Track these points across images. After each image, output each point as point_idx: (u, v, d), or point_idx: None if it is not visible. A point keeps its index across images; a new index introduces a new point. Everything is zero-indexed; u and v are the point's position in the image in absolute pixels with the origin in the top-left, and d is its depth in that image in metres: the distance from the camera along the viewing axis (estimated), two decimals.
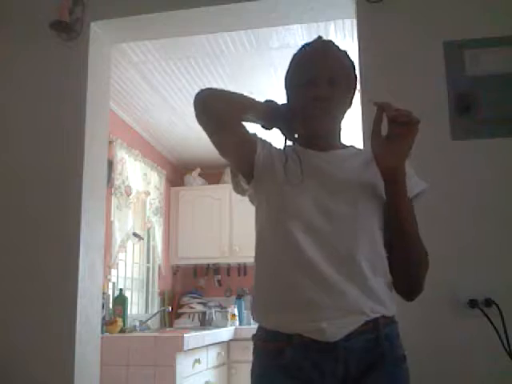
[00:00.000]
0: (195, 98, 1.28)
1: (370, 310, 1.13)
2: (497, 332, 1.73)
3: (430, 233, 1.89)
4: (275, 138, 1.39)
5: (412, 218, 1.22)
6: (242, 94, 1.33)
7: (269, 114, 1.33)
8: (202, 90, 1.29)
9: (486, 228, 1.85)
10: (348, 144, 1.37)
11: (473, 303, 1.79)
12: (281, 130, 1.36)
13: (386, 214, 1.22)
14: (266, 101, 1.35)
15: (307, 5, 2.20)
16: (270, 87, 3.57)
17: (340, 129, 1.36)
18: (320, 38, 1.38)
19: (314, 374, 1.12)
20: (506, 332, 1.73)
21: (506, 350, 1.73)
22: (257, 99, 1.34)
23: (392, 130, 1.15)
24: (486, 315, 1.75)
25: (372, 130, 1.19)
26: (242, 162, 1.30)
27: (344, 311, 1.12)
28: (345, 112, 1.34)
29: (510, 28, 1.97)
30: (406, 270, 1.22)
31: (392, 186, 1.19)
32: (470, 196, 1.88)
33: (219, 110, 1.26)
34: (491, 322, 1.74)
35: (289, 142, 1.36)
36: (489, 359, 1.76)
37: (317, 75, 1.28)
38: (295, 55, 1.37)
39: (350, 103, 1.36)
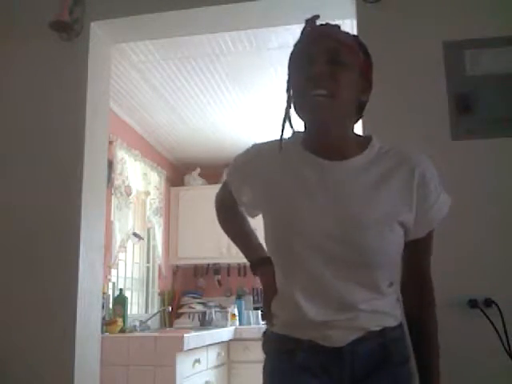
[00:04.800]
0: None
1: (375, 325, 1.14)
2: (497, 332, 1.73)
3: None
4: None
5: None
6: (234, 236, 1.48)
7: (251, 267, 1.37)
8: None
9: (486, 228, 1.85)
10: (364, 136, 1.20)
11: (473, 303, 1.79)
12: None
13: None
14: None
15: (307, 5, 2.20)
16: (270, 87, 3.58)
17: (352, 120, 1.18)
18: (316, 18, 1.18)
19: (322, 376, 1.14)
20: (505, 332, 1.73)
21: (506, 350, 1.73)
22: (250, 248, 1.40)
23: None
24: (486, 315, 1.75)
25: None
26: None
27: (348, 323, 1.13)
28: (356, 101, 1.15)
29: (510, 28, 1.97)
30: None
31: None
32: (470, 196, 1.88)
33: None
34: (491, 322, 1.74)
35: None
36: (489, 359, 1.76)
37: (313, 52, 1.11)
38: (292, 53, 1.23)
39: (365, 91, 1.16)
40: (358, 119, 1.22)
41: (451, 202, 1.21)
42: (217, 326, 4.37)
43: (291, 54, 1.20)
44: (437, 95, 1.96)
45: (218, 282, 5.25)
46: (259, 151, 1.26)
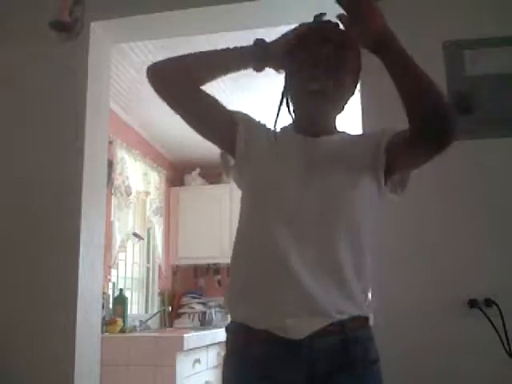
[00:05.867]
0: (146, 72, 1.23)
1: (335, 311, 1.11)
2: (497, 332, 1.73)
3: (430, 233, 1.89)
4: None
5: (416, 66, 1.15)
6: (206, 51, 1.29)
7: (255, 53, 1.28)
8: (155, 63, 1.23)
9: (486, 228, 1.85)
10: (341, 130, 1.32)
11: (473, 303, 1.79)
12: (274, 67, 1.32)
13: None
14: (256, 40, 1.30)
15: (307, 5, 2.20)
16: (270, 87, 3.57)
17: (337, 114, 1.29)
18: (321, 15, 1.27)
19: (277, 370, 1.10)
20: (505, 332, 1.73)
21: (505, 350, 1.73)
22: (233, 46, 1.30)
23: (347, 8, 1.09)
24: (486, 315, 1.75)
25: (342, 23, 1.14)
26: (221, 141, 1.30)
27: (308, 310, 1.10)
28: (347, 94, 1.27)
29: (510, 28, 1.97)
30: (417, 95, 1.13)
31: (388, 51, 1.14)
32: (470, 196, 1.88)
33: (176, 80, 1.20)
34: (491, 322, 1.74)
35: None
36: (489, 359, 1.76)
37: (316, 50, 1.20)
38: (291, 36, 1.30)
39: (353, 91, 1.28)
40: (340, 112, 1.30)
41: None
42: (217, 326, 4.37)
43: (294, 43, 1.26)
44: None
45: (218, 282, 5.25)
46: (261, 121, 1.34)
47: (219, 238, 4.87)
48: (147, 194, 4.44)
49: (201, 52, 1.29)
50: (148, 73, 1.23)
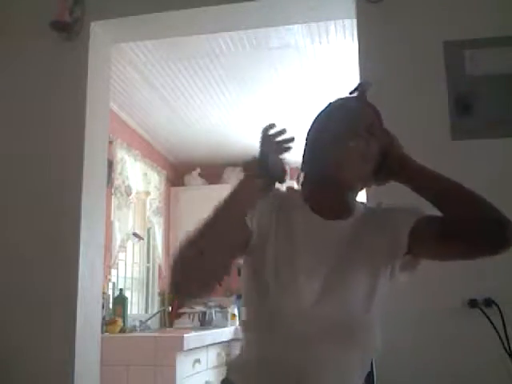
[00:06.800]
0: (171, 288, 1.17)
1: None
2: (497, 332, 1.73)
3: None
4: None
5: (443, 180, 1.15)
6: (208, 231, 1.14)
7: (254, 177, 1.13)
8: (173, 281, 1.12)
9: None
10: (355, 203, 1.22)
11: (473, 303, 1.79)
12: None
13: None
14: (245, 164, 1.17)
15: (307, 4, 2.20)
16: (270, 87, 3.58)
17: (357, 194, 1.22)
18: (370, 85, 1.23)
19: None
20: (505, 332, 1.73)
21: (505, 350, 1.73)
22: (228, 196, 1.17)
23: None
24: (486, 315, 1.75)
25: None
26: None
27: None
28: (372, 172, 1.17)
29: (510, 28, 1.97)
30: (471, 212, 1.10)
31: (408, 171, 1.14)
32: None
33: (202, 291, 1.19)
34: (491, 322, 1.74)
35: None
36: (489, 359, 1.76)
37: (358, 115, 1.16)
38: (325, 110, 1.23)
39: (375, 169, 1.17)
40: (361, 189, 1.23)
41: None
42: (217, 326, 4.37)
43: (332, 106, 1.22)
44: (437, 95, 1.96)
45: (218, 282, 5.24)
46: (274, 195, 1.21)
47: None
48: (147, 194, 4.44)
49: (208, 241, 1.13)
50: (172, 290, 1.20)
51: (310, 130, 1.23)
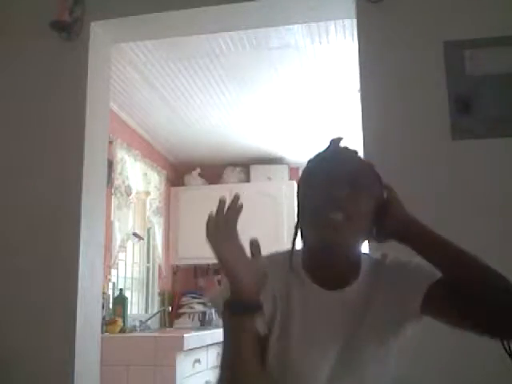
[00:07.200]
0: None
1: None
2: None
3: None
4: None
5: (453, 250, 1.11)
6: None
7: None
8: None
9: (486, 228, 1.85)
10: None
11: None
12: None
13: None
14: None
15: (307, 4, 2.20)
16: (270, 87, 3.58)
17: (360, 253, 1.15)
18: (340, 139, 1.15)
19: None
20: None
21: (505, 350, 1.72)
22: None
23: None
24: None
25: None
26: None
27: None
28: (370, 227, 1.11)
29: (510, 28, 1.97)
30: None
31: (414, 234, 1.10)
32: (470, 196, 1.88)
33: None
34: None
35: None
36: (489, 359, 1.75)
37: (334, 173, 1.08)
38: (306, 170, 1.16)
39: (374, 220, 1.10)
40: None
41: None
42: (217, 326, 4.37)
43: (308, 169, 1.15)
44: (437, 95, 1.96)
45: (218, 282, 5.24)
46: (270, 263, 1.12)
47: None
48: (147, 194, 4.44)
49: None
50: None
51: (298, 186, 1.16)
